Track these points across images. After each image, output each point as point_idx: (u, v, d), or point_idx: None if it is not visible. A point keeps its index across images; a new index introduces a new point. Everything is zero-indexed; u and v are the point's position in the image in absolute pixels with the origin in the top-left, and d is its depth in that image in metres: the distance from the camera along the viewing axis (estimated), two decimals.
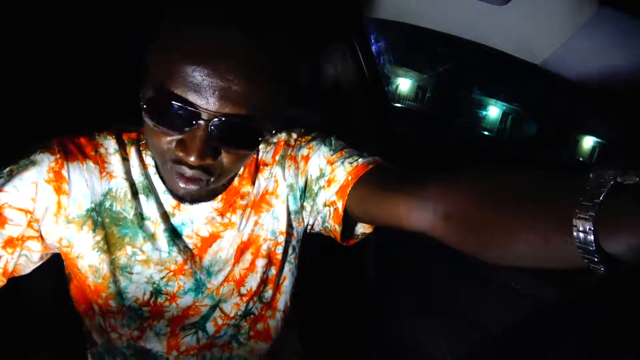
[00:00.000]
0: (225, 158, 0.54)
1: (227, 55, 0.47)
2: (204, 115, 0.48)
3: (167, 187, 0.63)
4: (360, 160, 0.63)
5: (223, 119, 0.49)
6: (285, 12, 0.54)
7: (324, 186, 0.65)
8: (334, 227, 0.65)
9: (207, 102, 0.48)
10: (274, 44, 0.51)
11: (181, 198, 0.62)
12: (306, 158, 0.68)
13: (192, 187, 0.55)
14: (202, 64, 0.47)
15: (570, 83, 0.75)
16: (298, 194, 0.70)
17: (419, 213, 0.50)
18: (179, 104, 0.48)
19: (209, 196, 0.65)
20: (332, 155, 0.66)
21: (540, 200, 0.38)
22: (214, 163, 0.53)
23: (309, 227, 0.73)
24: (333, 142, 0.68)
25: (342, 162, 0.64)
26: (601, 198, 0.31)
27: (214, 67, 0.47)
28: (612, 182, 0.31)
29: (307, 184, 0.69)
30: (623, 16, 0.61)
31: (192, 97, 0.48)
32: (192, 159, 0.50)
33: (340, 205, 0.62)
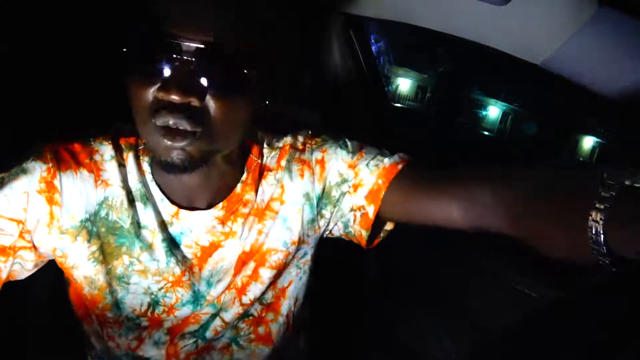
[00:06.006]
0: (212, 102, 0.50)
1: None
2: (184, 47, 0.47)
3: (163, 192, 0.61)
4: (385, 160, 0.61)
5: (202, 46, 0.47)
6: None
7: (349, 191, 0.63)
8: (360, 232, 0.64)
9: (182, 29, 0.47)
10: None
11: (171, 166, 0.52)
12: (321, 162, 0.66)
13: (179, 143, 0.49)
14: None
15: (570, 83, 0.75)
16: (315, 201, 0.67)
17: (472, 212, 0.53)
18: (155, 35, 0.47)
19: (206, 181, 0.61)
20: (352, 159, 0.64)
21: (566, 198, 0.43)
22: (199, 107, 0.49)
23: (327, 232, 0.71)
24: (348, 144, 0.67)
25: (366, 165, 0.62)
26: (615, 193, 0.35)
27: None
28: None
29: (325, 190, 0.66)
30: (623, 16, 0.61)
31: (166, 27, 0.47)
32: (173, 96, 0.46)
33: (371, 210, 0.60)
